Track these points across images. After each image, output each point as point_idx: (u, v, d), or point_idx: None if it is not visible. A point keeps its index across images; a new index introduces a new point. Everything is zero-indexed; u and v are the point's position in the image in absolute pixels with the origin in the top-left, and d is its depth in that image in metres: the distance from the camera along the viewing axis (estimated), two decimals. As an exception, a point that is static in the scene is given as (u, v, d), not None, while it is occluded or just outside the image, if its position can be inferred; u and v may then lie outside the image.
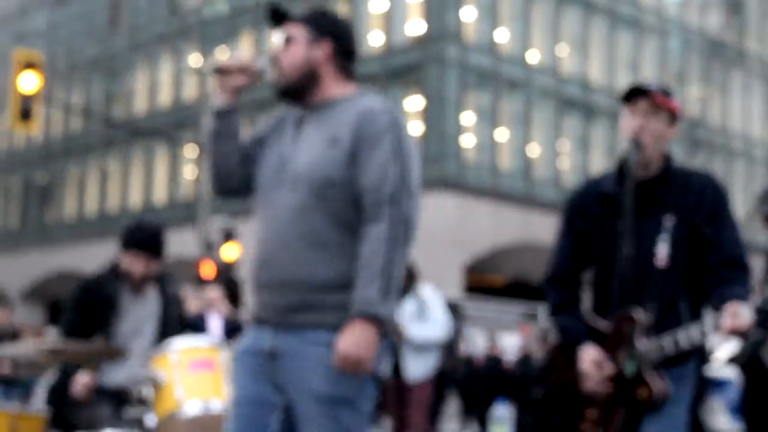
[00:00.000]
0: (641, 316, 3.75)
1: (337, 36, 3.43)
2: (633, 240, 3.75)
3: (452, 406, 19.50)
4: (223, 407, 4.70)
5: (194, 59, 39.03)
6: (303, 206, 3.28)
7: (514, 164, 34.70)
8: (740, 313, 3.55)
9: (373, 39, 34.59)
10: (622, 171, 3.87)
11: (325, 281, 3.24)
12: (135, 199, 40.95)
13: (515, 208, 33.27)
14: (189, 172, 38.43)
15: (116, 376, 5.32)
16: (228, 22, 38.49)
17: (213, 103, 3.43)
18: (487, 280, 34.94)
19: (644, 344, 3.75)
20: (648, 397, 3.74)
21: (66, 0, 45.03)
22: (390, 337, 3.33)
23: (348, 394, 3.20)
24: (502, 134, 34.44)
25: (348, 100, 3.37)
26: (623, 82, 37.68)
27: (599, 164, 35.64)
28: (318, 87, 3.40)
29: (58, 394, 5.33)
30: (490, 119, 34.11)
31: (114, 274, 5.58)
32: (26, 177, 46.40)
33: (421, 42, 33.47)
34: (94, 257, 26.89)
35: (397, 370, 8.27)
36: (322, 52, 3.40)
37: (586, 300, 4.03)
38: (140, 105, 41.67)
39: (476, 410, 18.20)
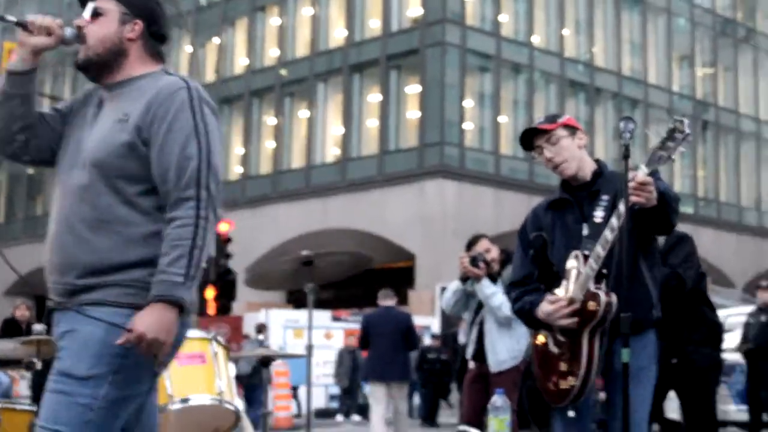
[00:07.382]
0: (579, 254, 4.36)
1: (149, 17, 3.42)
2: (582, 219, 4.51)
3: (455, 395, 19.10)
4: (213, 400, 4.94)
5: (188, 48, 38.31)
6: (87, 185, 3.22)
7: (516, 149, 33.65)
8: (639, 173, 4.08)
9: (371, 22, 33.56)
10: (564, 183, 4.65)
11: (106, 262, 3.19)
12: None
13: (517, 194, 32.24)
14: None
15: None
16: (222, 10, 37.94)
17: (9, 62, 3.25)
18: (490, 269, 34.01)
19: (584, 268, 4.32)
20: (596, 307, 4.21)
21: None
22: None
23: (97, 372, 3.13)
24: (503, 119, 33.42)
25: (148, 79, 3.32)
26: (629, 63, 36.70)
27: (604, 146, 35.05)
28: (122, 66, 3.36)
29: (42, 388, 4.87)
30: (491, 103, 33.12)
31: None
32: (12, 169, 45.64)
33: (420, 25, 32.42)
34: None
35: (481, 355, 7.66)
36: (133, 31, 3.36)
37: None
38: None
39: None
